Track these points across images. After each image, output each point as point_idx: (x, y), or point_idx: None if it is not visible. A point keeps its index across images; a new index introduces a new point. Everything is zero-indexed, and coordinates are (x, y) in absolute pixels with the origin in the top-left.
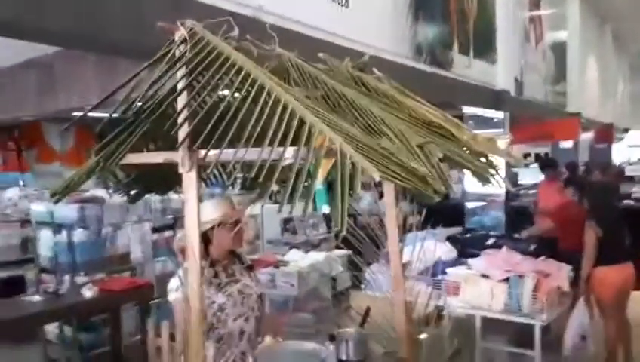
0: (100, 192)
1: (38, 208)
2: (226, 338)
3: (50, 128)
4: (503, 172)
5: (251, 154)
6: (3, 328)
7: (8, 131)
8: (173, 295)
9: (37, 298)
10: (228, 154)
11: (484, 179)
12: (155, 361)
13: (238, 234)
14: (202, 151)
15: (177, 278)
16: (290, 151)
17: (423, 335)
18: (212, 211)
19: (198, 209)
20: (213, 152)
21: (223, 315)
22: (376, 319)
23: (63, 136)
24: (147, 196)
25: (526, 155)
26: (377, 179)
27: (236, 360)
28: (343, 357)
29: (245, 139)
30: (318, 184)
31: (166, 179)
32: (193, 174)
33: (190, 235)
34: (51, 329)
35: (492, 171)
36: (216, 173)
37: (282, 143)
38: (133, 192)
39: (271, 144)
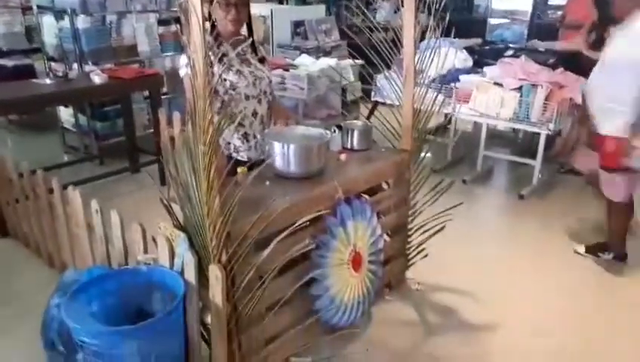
0: None
1: None
2: (240, 117)
3: None
4: None
5: None
6: (18, 106)
7: None
8: (183, 70)
9: (47, 81)
10: None
11: None
12: (167, 149)
13: (244, 15)
14: None
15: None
16: None
17: (427, 154)
18: None
19: None
20: None
21: (236, 94)
22: (384, 119)
23: None
24: None
25: None
26: None
27: (249, 139)
28: (348, 146)
29: None
30: None
31: None
32: None
33: None
34: (67, 117)
35: None
36: None
37: None
38: None
39: None
